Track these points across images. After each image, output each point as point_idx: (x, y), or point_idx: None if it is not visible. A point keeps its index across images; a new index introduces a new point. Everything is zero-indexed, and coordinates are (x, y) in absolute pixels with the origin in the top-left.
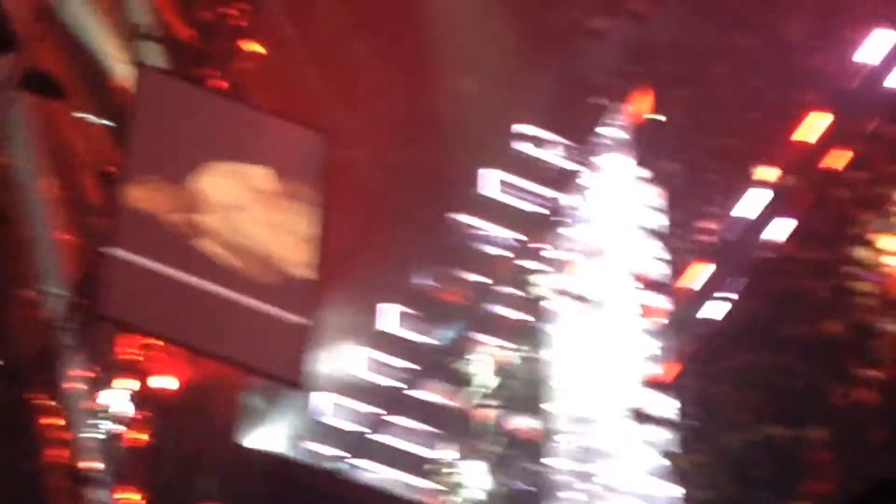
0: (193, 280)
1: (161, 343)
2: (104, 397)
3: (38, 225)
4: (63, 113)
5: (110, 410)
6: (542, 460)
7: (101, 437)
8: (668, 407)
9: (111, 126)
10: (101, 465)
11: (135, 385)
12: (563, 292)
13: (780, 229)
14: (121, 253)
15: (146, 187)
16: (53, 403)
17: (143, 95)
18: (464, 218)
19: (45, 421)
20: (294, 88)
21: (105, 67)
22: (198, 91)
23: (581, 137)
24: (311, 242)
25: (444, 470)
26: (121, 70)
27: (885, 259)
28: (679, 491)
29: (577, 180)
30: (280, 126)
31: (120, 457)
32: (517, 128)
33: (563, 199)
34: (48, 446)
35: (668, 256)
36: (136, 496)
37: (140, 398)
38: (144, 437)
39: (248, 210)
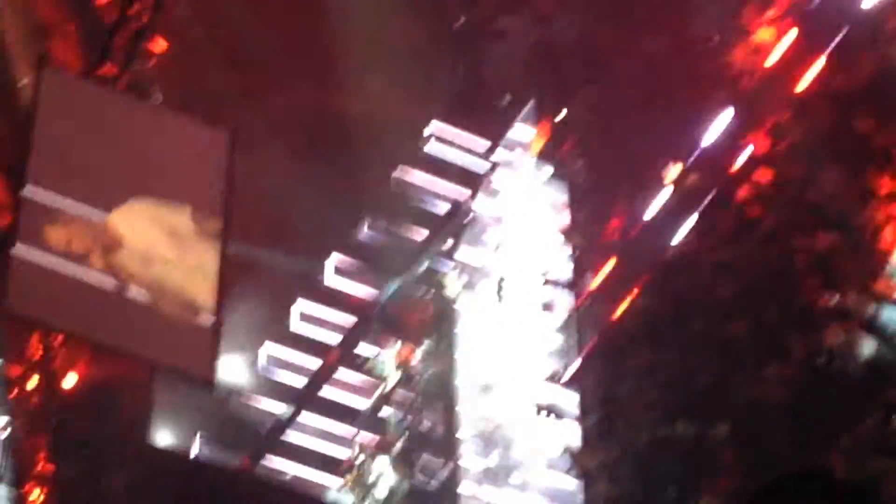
0: (99, 279)
1: (66, 339)
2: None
3: None
4: None
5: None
6: (448, 457)
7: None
8: (571, 404)
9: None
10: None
11: (40, 381)
12: (468, 287)
13: (683, 228)
14: (24, 250)
15: (49, 191)
16: None
17: (46, 96)
18: (374, 217)
19: None
20: (199, 86)
21: (10, 66)
22: (101, 91)
23: (488, 136)
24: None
25: (353, 468)
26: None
27: None
28: (582, 487)
29: (484, 179)
30: (184, 125)
31: (23, 453)
32: (425, 127)
33: (470, 198)
34: None
35: (571, 254)
36: (38, 493)
37: (46, 395)
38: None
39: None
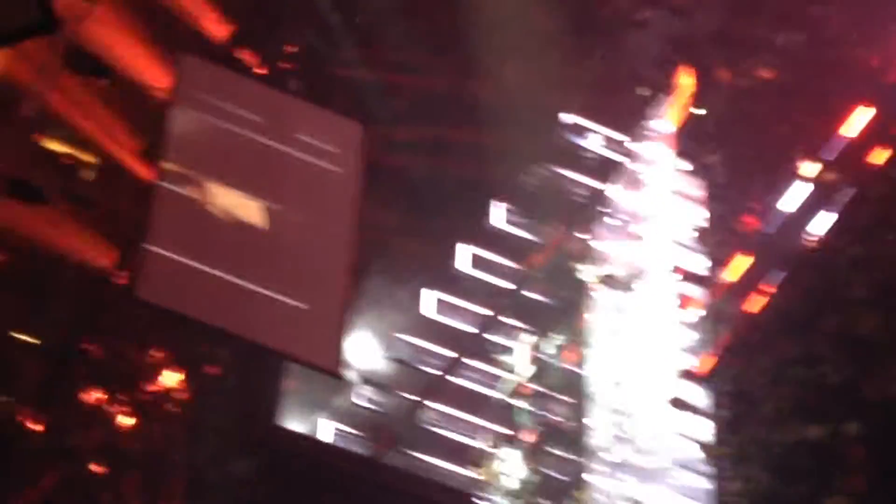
0: (230, 276)
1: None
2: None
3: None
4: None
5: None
6: (578, 450)
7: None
8: (704, 399)
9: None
10: None
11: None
12: (603, 281)
13: (820, 224)
14: (157, 239)
15: (184, 174)
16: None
17: (183, 81)
18: (506, 205)
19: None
20: (335, 74)
21: None
22: (236, 78)
23: (624, 127)
24: (347, 235)
25: (483, 459)
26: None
27: None
28: (713, 482)
29: (620, 171)
30: (317, 114)
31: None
32: (562, 117)
33: (606, 189)
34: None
35: (707, 248)
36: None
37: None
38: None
39: (285, 210)
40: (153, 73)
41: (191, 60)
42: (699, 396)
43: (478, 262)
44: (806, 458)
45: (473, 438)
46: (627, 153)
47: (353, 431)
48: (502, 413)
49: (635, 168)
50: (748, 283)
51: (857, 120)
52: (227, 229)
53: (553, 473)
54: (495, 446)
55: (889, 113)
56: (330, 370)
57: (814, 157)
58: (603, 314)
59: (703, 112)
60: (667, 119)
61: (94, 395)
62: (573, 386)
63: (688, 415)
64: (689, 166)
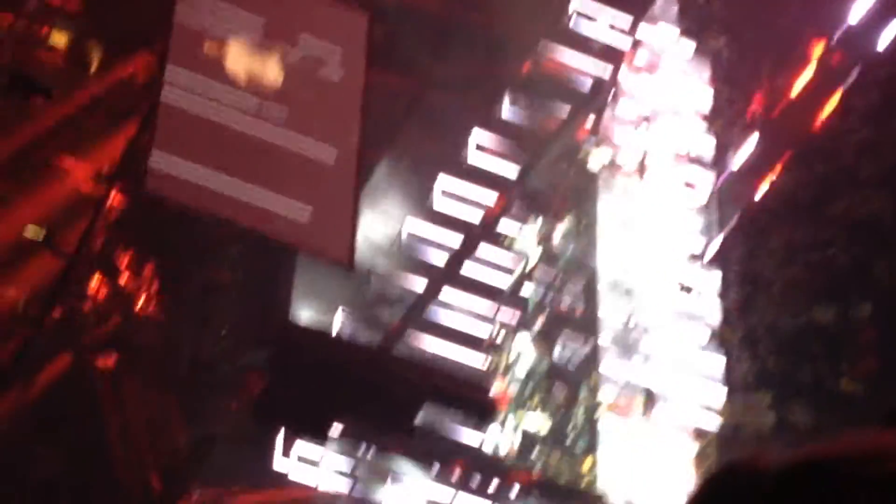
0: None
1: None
2: None
3: None
4: None
5: None
6: (588, 335)
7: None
8: (713, 282)
9: None
10: None
11: None
12: (610, 167)
13: (826, 106)
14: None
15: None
16: None
17: None
18: (516, 94)
19: None
20: None
21: None
22: None
23: (630, 9)
24: (356, 121)
25: (494, 346)
26: None
27: None
28: (722, 364)
29: (626, 55)
30: (321, 10)
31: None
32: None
33: (613, 74)
34: None
35: (713, 131)
36: None
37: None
38: None
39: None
40: None
41: None
42: (707, 280)
43: (486, 150)
44: (815, 341)
45: (484, 326)
46: (633, 36)
47: (365, 322)
48: (512, 301)
49: (642, 52)
50: (755, 165)
51: (864, 2)
52: (232, 134)
53: (564, 358)
54: (506, 334)
55: None
56: (341, 261)
57: (820, 38)
58: (611, 200)
59: None
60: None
61: (104, 290)
62: (582, 270)
63: (696, 298)
64: (693, 48)
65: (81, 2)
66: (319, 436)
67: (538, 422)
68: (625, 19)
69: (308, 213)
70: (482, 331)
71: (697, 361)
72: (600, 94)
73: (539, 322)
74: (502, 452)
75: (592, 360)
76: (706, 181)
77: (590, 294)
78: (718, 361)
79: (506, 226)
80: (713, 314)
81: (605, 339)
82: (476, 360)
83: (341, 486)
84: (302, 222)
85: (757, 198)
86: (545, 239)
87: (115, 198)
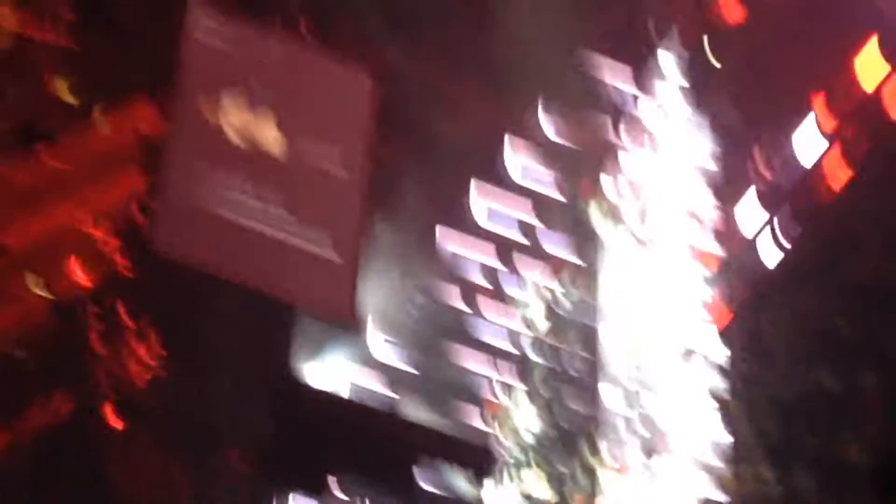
0: (244, 221)
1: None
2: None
3: None
4: None
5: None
6: (593, 403)
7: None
8: (719, 351)
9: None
10: None
11: None
12: (617, 226)
13: (836, 177)
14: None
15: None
16: None
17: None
18: (518, 154)
19: None
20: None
21: None
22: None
23: (637, 67)
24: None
25: (497, 409)
26: None
27: None
28: (727, 434)
29: (629, 113)
30: (329, 66)
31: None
32: (576, 56)
33: (615, 131)
34: None
35: (721, 202)
36: None
37: None
38: None
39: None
40: None
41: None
42: (714, 349)
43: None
44: (820, 409)
45: (488, 390)
46: (634, 95)
47: (368, 381)
48: (518, 367)
49: (650, 117)
50: (763, 236)
51: (874, 73)
52: (241, 167)
53: (567, 426)
54: (511, 399)
55: None
56: (344, 320)
57: (830, 110)
58: (619, 264)
59: (716, 64)
60: (680, 65)
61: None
62: (588, 340)
63: (703, 367)
64: (702, 119)
65: (83, 49)
66: (319, 491)
67: (537, 481)
68: (627, 76)
69: (314, 263)
70: (483, 389)
71: (702, 426)
72: (607, 160)
73: (539, 380)
74: None
75: (593, 419)
76: (715, 251)
77: (594, 362)
78: (724, 432)
79: (509, 286)
80: (717, 380)
81: (609, 404)
82: (476, 417)
83: None
84: (306, 278)
85: (767, 268)
86: (548, 299)
87: (118, 257)
